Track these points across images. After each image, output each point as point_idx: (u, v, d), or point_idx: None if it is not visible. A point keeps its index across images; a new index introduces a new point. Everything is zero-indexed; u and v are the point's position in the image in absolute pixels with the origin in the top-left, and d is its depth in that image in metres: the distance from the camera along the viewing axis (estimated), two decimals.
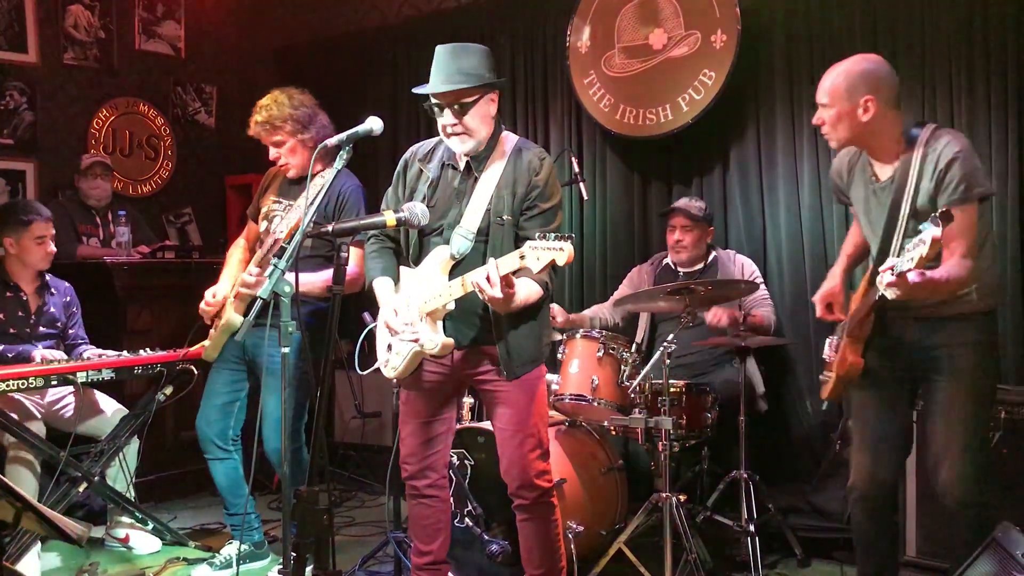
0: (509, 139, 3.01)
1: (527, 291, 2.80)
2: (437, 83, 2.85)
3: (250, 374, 3.89)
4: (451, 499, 3.50)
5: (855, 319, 2.81)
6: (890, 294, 2.46)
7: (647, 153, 4.87)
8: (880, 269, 2.50)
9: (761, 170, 4.55)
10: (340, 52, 6.14)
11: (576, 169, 4.51)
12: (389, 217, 2.69)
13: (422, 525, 3.12)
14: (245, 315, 3.60)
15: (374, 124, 2.76)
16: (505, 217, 2.88)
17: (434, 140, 3.09)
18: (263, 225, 3.86)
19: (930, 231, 2.33)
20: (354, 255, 3.49)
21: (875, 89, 2.72)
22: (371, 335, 3.21)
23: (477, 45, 2.92)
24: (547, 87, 5.23)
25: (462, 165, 2.96)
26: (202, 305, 3.87)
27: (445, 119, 2.88)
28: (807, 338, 4.40)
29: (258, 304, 2.64)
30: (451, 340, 2.87)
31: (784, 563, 3.89)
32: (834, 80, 2.77)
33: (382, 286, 3.02)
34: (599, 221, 5.02)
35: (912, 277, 2.42)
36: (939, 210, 2.38)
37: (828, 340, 3.01)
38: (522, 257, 2.59)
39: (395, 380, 3.13)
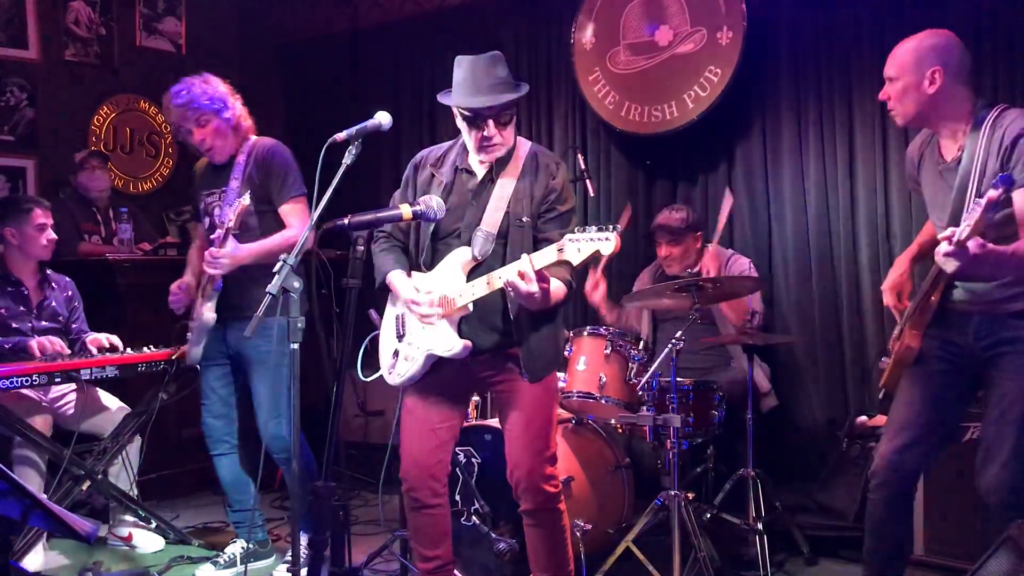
0: (523, 144, 3.00)
1: (554, 289, 2.77)
2: (481, 95, 2.80)
3: (236, 369, 3.84)
4: (456, 499, 3.50)
5: (919, 303, 2.76)
6: (948, 266, 2.38)
7: (652, 150, 4.87)
8: (940, 237, 2.42)
9: (767, 167, 4.55)
10: (341, 49, 6.11)
11: (582, 167, 4.50)
12: (405, 209, 2.66)
13: (425, 533, 3.06)
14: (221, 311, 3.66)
15: (383, 119, 2.73)
16: (524, 219, 2.86)
17: (444, 145, 3.06)
18: (207, 221, 3.81)
19: (988, 193, 2.26)
20: (295, 211, 3.61)
21: (943, 61, 2.66)
22: (374, 338, 3.18)
23: (497, 53, 2.89)
24: (551, 84, 5.22)
25: (480, 171, 2.94)
26: (170, 299, 3.85)
27: (488, 131, 2.83)
28: (812, 334, 4.39)
29: (267, 299, 2.62)
30: (468, 342, 2.85)
31: (791, 561, 3.87)
32: (903, 53, 2.73)
33: (397, 276, 2.97)
34: (603, 218, 5.00)
35: (972, 246, 2.31)
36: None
37: (896, 329, 2.94)
38: (560, 250, 2.58)
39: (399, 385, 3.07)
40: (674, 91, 4.57)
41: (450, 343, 2.85)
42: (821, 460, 4.35)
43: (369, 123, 2.71)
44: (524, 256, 2.64)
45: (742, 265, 4.21)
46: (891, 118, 2.87)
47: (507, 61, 5.11)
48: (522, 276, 2.60)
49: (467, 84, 2.83)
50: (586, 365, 3.75)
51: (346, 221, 2.55)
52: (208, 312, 3.67)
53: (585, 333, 3.82)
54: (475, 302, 2.81)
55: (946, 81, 2.67)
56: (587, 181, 4.52)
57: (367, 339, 3.27)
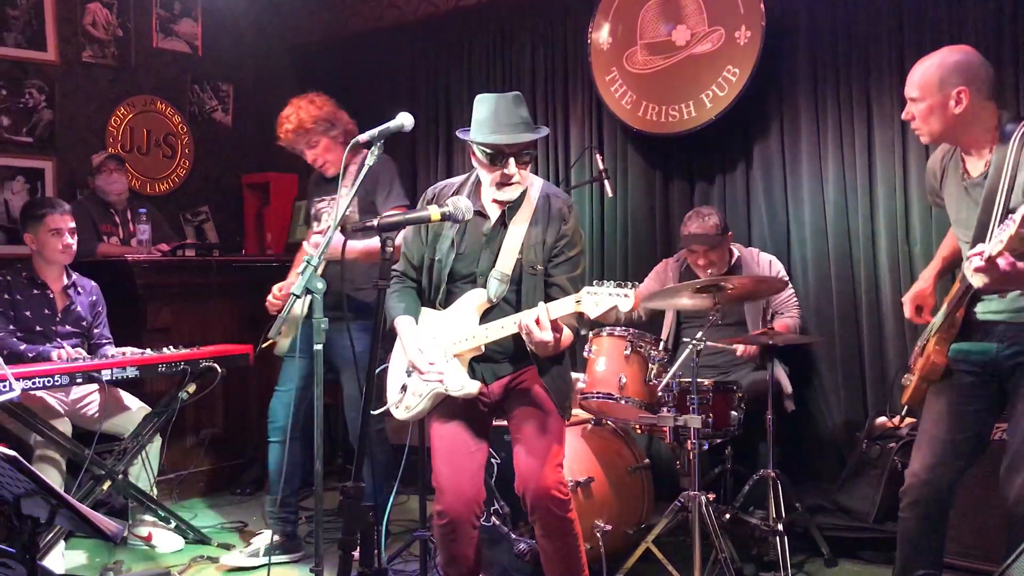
0: (535, 184, 3.01)
1: (566, 335, 2.81)
2: (508, 132, 2.81)
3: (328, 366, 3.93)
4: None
5: (945, 318, 2.75)
6: (977, 281, 2.37)
7: (670, 150, 4.85)
8: (969, 254, 2.41)
9: (785, 167, 4.53)
10: (357, 50, 6.12)
11: (601, 167, 4.49)
12: (434, 212, 2.66)
13: (463, 557, 2.98)
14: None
15: (405, 120, 2.73)
16: (538, 268, 2.89)
17: (456, 182, 3.05)
18: (314, 225, 4.01)
19: (1021, 210, 2.24)
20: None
21: (968, 80, 2.63)
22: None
23: (519, 93, 2.92)
24: (567, 85, 5.21)
25: (493, 213, 2.95)
26: (269, 298, 3.94)
27: (508, 169, 2.84)
28: (832, 336, 4.38)
29: (291, 301, 2.63)
30: (477, 383, 2.87)
31: (811, 562, 3.86)
32: (925, 72, 2.68)
33: (405, 324, 2.98)
34: (620, 219, 5.00)
35: (1001, 263, 2.30)
36: None
37: (917, 343, 2.94)
38: (578, 302, 2.60)
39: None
40: (692, 91, 4.56)
41: (460, 383, 2.85)
42: (840, 461, 4.33)
43: (391, 124, 2.70)
44: (541, 305, 2.67)
45: (777, 265, 4.26)
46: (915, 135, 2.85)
47: (523, 62, 5.23)
48: (538, 323, 2.63)
49: (489, 122, 2.84)
50: (606, 366, 3.74)
51: (375, 222, 2.55)
52: (297, 307, 3.70)
53: (605, 333, 3.82)
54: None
55: (972, 100, 2.63)
56: (605, 182, 4.52)
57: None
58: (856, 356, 4.35)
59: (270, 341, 3.90)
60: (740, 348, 4.08)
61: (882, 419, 4.09)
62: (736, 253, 4.30)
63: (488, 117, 2.84)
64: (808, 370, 4.48)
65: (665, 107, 4.66)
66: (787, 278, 4.27)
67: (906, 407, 2.97)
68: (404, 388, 3.00)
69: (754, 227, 4.62)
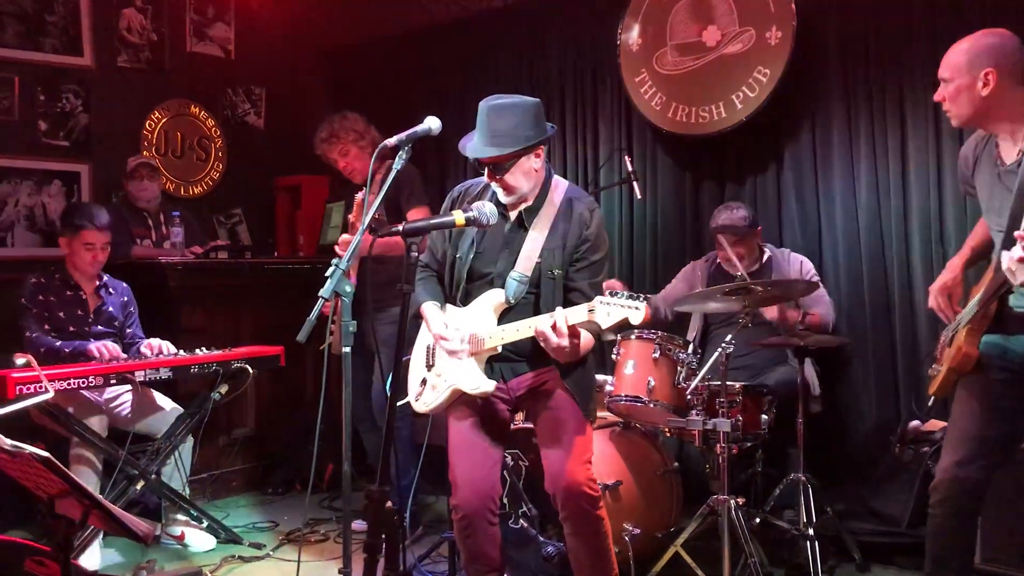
0: (559, 187, 3.01)
1: (584, 341, 2.81)
2: (477, 144, 2.87)
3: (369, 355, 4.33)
4: (504, 502, 3.50)
5: (978, 309, 2.71)
6: (1021, 273, 2.35)
7: (699, 152, 4.82)
8: (1016, 235, 2.38)
9: (816, 168, 4.49)
10: (388, 53, 6.15)
11: (629, 168, 4.48)
12: (458, 216, 2.67)
13: (482, 554, 3.00)
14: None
15: (432, 124, 2.75)
16: (557, 272, 2.90)
17: (482, 181, 3.07)
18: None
19: None
20: (417, 215, 4.21)
21: (996, 62, 2.62)
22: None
23: (520, 100, 2.88)
24: (596, 86, 5.20)
25: (513, 215, 2.97)
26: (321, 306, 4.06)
27: (485, 176, 2.92)
28: (864, 338, 4.33)
29: (319, 303, 2.64)
30: (493, 383, 2.89)
31: (842, 568, 3.82)
32: (955, 54, 2.70)
33: (431, 309, 3.01)
34: (650, 221, 4.98)
35: None
36: None
37: (943, 333, 2.91)
38: (591, 311, 2.60)
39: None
40: (722, 92, 4.53)
41: (477, 382, 2.88)
42: (872, 465, 4.28)
43: (419, 128, 2.72)
44: (558, 311, 2.67)
45: (808, 264, 4.23)
46: (946, 118, 2.82)
47: (550, 63, 5.23)
48: (554, 329, 2.64)
49: (477, 131, 2.88)
50: (634, 369, 3.73)
51: (400, 227, 2.57)
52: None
53: (633, 336, 3.80)
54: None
55: (1000, 82, 2.62)
56: (634, 183, 4.51)
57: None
58: (889, 359, 4.30)
59: (327, 343, 4.00)
60: (774, 313, 4.04)
61: (915, 423, 4.03)
62: (767, 253, 4.27)
63: (477, 126, 2.88)
64: (840, 373, 4.44)
65: (695, 108, 4.64)
66: (818, 277, 4.23)
67: (933, 398, 2.94)
68: (424, 382, 3.03)
69: (785, 229, 4.58)
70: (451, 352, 2.90)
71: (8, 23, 5.34)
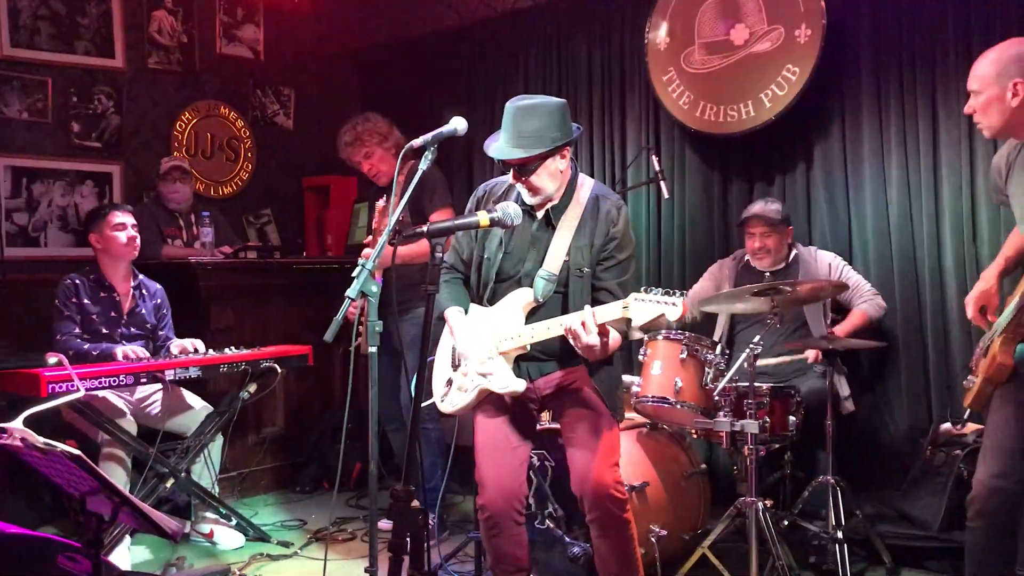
0: (585, 185, 3.00)
1: (612, 339, 2.80)
2: (502, 145, 2.86)
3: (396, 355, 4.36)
4: (530, 502, 3.50)
5: (1013, 317, 2.68)
6: None
7: (728, 151, 4.79)
8: None
9: (846, 168, 4.44)
10: (416, 54, 6.17)
11: (657, 168, 4.46)
12: (483, 217, 2.67)
13: (508, 555, 3.00)
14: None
15: (458, 124, 2.74)
16: (585, 270, 2.90)
17: (507, 179, 3.06)
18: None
19: None
20: (440, 218, 4.13)
21: None
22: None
23: (546, 101, 2.87)
24: (624, 85, 5.18)
25: (540, 215, 2.96)
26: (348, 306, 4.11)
27: (511, 177, 2.91)
28: (895, 340, 4.28)
29: (346, 304, 2.65)
30: (523, 382, 2.88)
31: (872, 571, 3.78)
32: (983, 64, 2.68)
33: (455, 315, 3.01)
34: (677, 220, 4.95)
35: None
36: None
37: (979, 343, 2.88)
38: (625, 307, 2.59)
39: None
40: (751, 90, 4.50)
41: (506, 381, 2.87)
42: (903, 468, 4.21)
43: (445, 129, 2.72)
44: (587, 308, 2.67)
45: (837, 262, 4.21)
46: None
47: (578, 63, 5.22)
48: (584, 327, 2.64)
49: (503, 131, 2.88)
50: (661, 369, 3.71)
51: (425, 228, 2.57)
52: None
53: (660, 337, 3.79)
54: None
55: None
56: (661, 183, 4.49)
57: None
58: (920, 360, 4.25)
59: (356, 342, 4.05)
60: (812, 355, 4.02)
61: (947, 425, 3.99)
62: (794, 252, 4.24)
63: (503, 127, 2.88)
64: (870, 374, 4.39)
65: (723, 107, 4.61)
66: (848, 270, 4.19)
67: (969, 410, 2.91)
68: (450, 382, 3.04)
69: (815, 228, 4.54)
70: (480, 373, 2.90)
71: (42, 26, 5.41)
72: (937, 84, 4.13)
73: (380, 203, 4.15)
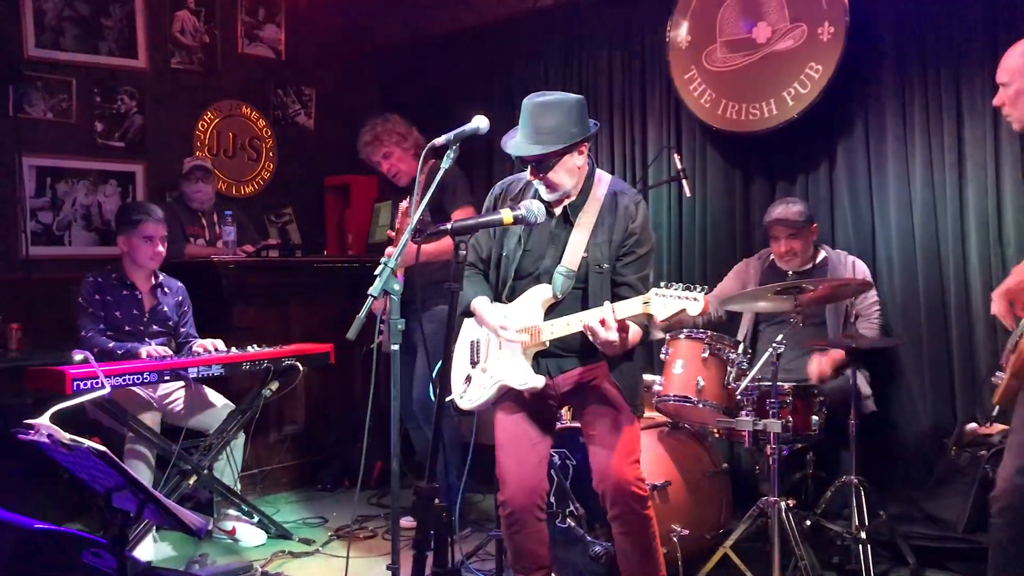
0: (603, 181, 2.99)
1: (632, 334, 2.79)
2: (520, 142, 2.85)
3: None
4: (551, 501, 3.49)
5: None
6: None
7: (750, 149, 4.77)
8: None
9: (870, 166, 4.41)
10: (437, 53, 6.18)
11: (679, 166, 4.45)
12: (506, 215, 2.67)
13: (529, 552, 3.01)
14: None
15: (480, 123, 2.74)
16: (604, 266, 2.89)
17: (523, 177, 3.06)
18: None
19: None
20: (461, 216, 4.13)
21: None
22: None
23: (564, 97, 2.85)
24: (645, 84, 5.17)
25: (558, 211, 2.95)
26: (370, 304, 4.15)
27: (528, 173, 2.90)
28: (918, 339, 4.25)
29: (369, 301, 2.66)
30: (542, 378, 2.89)
31: (895, 572, 3.75)
32: (1013, 57, 2.67)
33: (481, 302, 3.01)
34: (699, 220, 4.94)
35: None
36: None
37: (1009, 340, 2.85)
38: (646, 303, 2.58)
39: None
40: (773, 89, 4.47)
41: (525, 377, 2.88)
42: (927, 468, 4.20)
43: (467, 127, 2.72)
44: (607, 304, 2.66)
45: (862, 268, 4.17)
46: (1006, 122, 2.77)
47: (598, 62, 5.21)
48: (603, 323, 2.63)
49: (521, 128, 2.87)
50: (683, 368, 3.70)
51: (448, 226, 2.57)
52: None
53: (682, 336, 3.78)
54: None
55: None
56: (683, 181, 4.47)
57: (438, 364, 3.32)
58: (945, 359, 4.22)
59: (377, 341, 4.05)
60: (815, 367, 3.97)
61: (972, 425, 3.95)
62: (823, 254, 4.22)
63: (520, 123, 2.87)
64: (894, 374, 4.35)
65: (745, 105, 4.58)
66: (873, 286, 4.15)
67: (997, 408, 2.87)
68: (468, 379, 3.04)
69: (838, 227, 4.51)
70: (510, 341, 2.89)
71: (66, 27, 5.45)
72: (962, 80, 4.09)
73: (404, 204, 4.15)
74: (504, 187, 3.12)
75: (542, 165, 2.84)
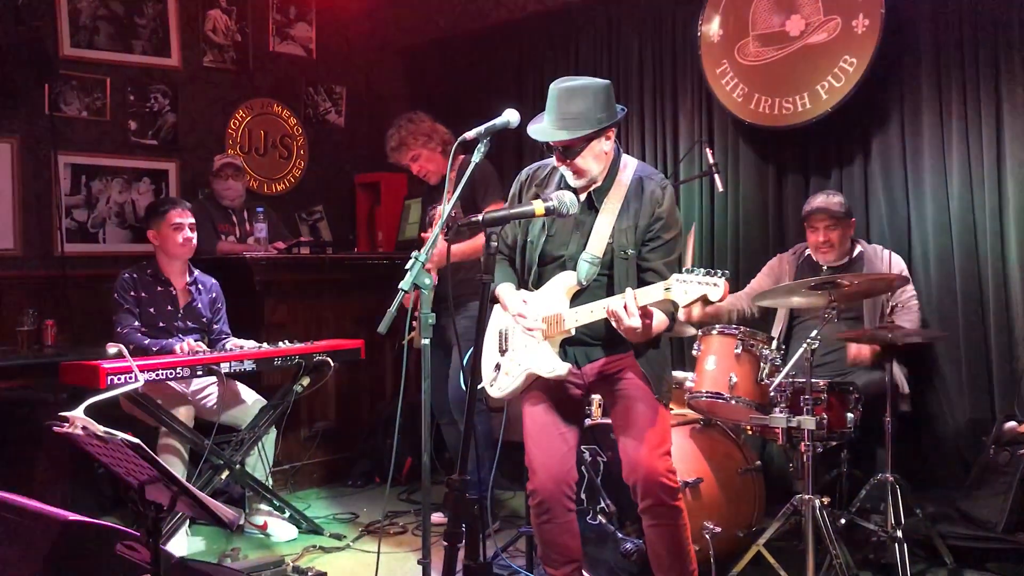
0: (628, 166, 2.97)
1: (657, 322, 2.76)
2: (546, 127, 2.83)
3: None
4: (582, 498, 3.48)
5: None
6: None
7: (783, 144, 4.72)
8: None
9: (906, 160, 4.34)
10: (467, 49, 6.18)
11: (711, 161, 4.41)
12: (538, 206, 2.66)
13: (559, 544, 3.00)
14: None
15: (511, 116, 2.73)
16: (629, 252, 2.85)
17: (549, 164, 3.04)
18: (428, 231, 4.32)
19: None
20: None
21: None
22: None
23: (591, 82, 2.83)
24: (676, 78, 5.13)
25: (583, 197, 2.93)
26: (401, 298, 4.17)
27: (555, 159, 2.88)
28: (955, 336, 4.18)
29: (400, 295, 2.66)
30: (567, 365, 2.87)
31: (932, 572, 3.69)
32: None
33: (506, 289, 3.00)
34: (731, 214, 4.89)
35: None
36: None
37: None
38: (667, 289, 2.55)
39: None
40: (806, 82, 4.42)
41: (552, 365, 2.86)
42: (964, 466, 4.13)
43: (497, 121, 2.71)
44: (629, 291, 2.63)
45: (899, 262, 4.11)
46: None
47: (629, 56, 5.17)
48: (626, 309, 2.61)
49: (547, 113, 2.84)
50: (716, 364, 3.66)
51: (480, 218, 2.56)
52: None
53: (715, 332, 3.74)
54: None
55: None
56: (715, 176, 4.43)
57: (467, 353, 3.31)
58: (983, 356, 4.15)
59: (410, 336, 4.07)
60: (853, 349, 3.94)
61: (1011, 423, 3.88)
62: (858, 249, 4.16)
63: (547, 109, 2.84)
64: (930, 370, 4.29)
65: (778, 99, 4.53)
66: (908, 276, 4.09)
67: None
68: (498, 367, 3.03)
69: (873, 222, 4.45)
70: (529, 329, 2.88)
71: (101, 26, 5.51)
72: (1001, 73, 4.02)
73: (437, 210, 4.15)
74: (530, 173, 3.10)
75: (569, 151, 2.82)
